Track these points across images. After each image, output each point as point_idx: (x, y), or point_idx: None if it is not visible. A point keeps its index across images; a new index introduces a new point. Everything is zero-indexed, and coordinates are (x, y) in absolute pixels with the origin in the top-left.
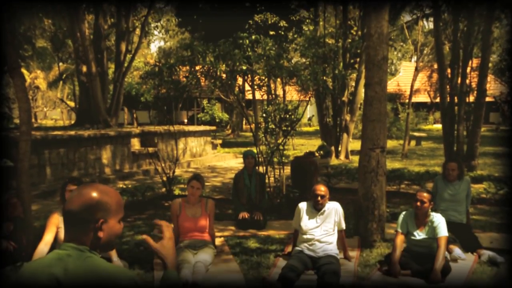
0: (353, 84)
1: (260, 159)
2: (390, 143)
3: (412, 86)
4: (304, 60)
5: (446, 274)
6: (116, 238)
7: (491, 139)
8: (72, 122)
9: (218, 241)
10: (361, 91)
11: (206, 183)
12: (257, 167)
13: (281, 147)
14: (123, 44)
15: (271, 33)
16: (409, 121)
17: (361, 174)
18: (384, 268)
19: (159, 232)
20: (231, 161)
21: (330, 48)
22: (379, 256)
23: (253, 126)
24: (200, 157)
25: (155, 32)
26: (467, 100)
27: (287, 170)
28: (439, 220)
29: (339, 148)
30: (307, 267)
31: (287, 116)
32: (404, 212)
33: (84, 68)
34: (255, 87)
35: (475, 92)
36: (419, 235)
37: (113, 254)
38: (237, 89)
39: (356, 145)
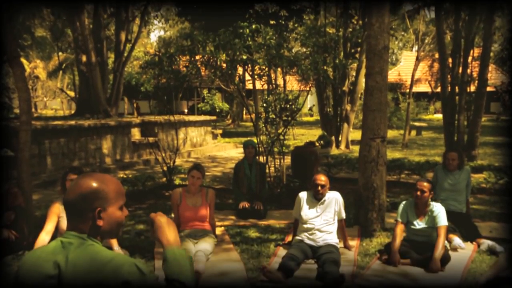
0: (354, 73)
1: (260, 149)
2: (391, 133)
3: (413, 75)
4: (304, 49)
5: (445, 263)
6: (119, 225)
7: (492, 129)
8: (72, 112)
9: (218, 231)
10: (362, 81)
11: (207, 173)
12: (257, 157)
13: (281, 137)
14: (123, 34)
15: (272, 22)
16: (409, 111)
17: (362, 164)
18: (384, 257)
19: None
20: (231, 151)
21: (330, 38)
22: (379, 245)
23: (253, 116)
24: (200, 147)
25: (155, 22)
26: (468, 90)
27: (288, 160)
28: (439, 210)
29: (340, 138)
30: (307, 256)
31: (288, 106)
32: (404, 202)
33: (84, 58)
34: (256, 76)
35: (476, 81)
36: (419, 224)
37: (114, 243)
38: (237, 78)
39: (356, 135)
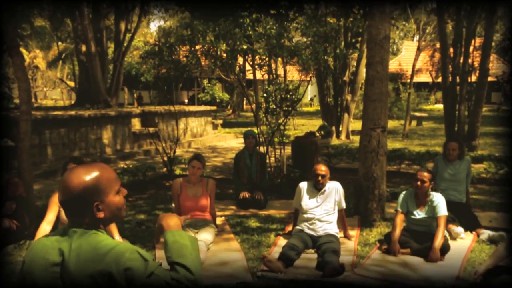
0: (355, 63)
1: (261, 139)
2: (391, 123)
3: (414, 65)
4: (305, 39)
5: (445, 252)
6: (120, 209)
7: (492, 119)
8: (72, 102)
9: (219, 220)
10: (363, 71)
11: (207, 163)
12: (258, 147)
13: (282, 127)
14: (123, 23)
15: (272, 12)
16: (410, 101)
17: (362, 154)
18: (383, 246)
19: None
20: (231, 141)
21: (331, 27)
22: (379, 235)
23: (253, 106)
24: (200, 137)
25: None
26: (469, 80)
27: (288, 150)
28: (439, 200)
29: (340, 128)
30: (308, 246)
31: (288, 96)
32: (404, 192)
33: (84, 48)
34: (256, 66)
35: (477, 71)
36: (419, 214)
37: (115, 232)
38: (237, 68)
39: (357, 125)
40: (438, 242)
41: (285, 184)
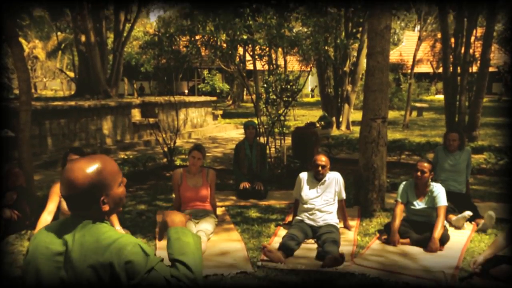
0: (355, 54)
1: (261, 130)
2: (392, 114)
3: (414, 56)
4: (305, 29)
5: (444, 242)
6: (122, 199)
7: (493, 109)
8: (72, 92)
9: (219, 211)
10: (363, 61)
11: (207, 154)
12: (258, 138)
13: (282, 118)
14: (122, 13)
15: (272, 1)
16: (411, 92)
17: (362, 144)
18: (383, 237)
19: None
20: (232, 132)
21: (332, 17)
22: (378, 225)
23: (254, 96)
24: (201, 127)
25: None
26: (470, 70)
27: (288, 140)
28: (438, 190)
29: (340, 119)
30: (308, 236)
31: (288, 86)
32: (404, 182)
33: (83, 38)
34: (256, 57)
35: (479, 62)
36: (419, 204)
37: (116, 222)
38: (237, 59)
39: (357, 115)
40: (438, 232)
41: (285, 174)
